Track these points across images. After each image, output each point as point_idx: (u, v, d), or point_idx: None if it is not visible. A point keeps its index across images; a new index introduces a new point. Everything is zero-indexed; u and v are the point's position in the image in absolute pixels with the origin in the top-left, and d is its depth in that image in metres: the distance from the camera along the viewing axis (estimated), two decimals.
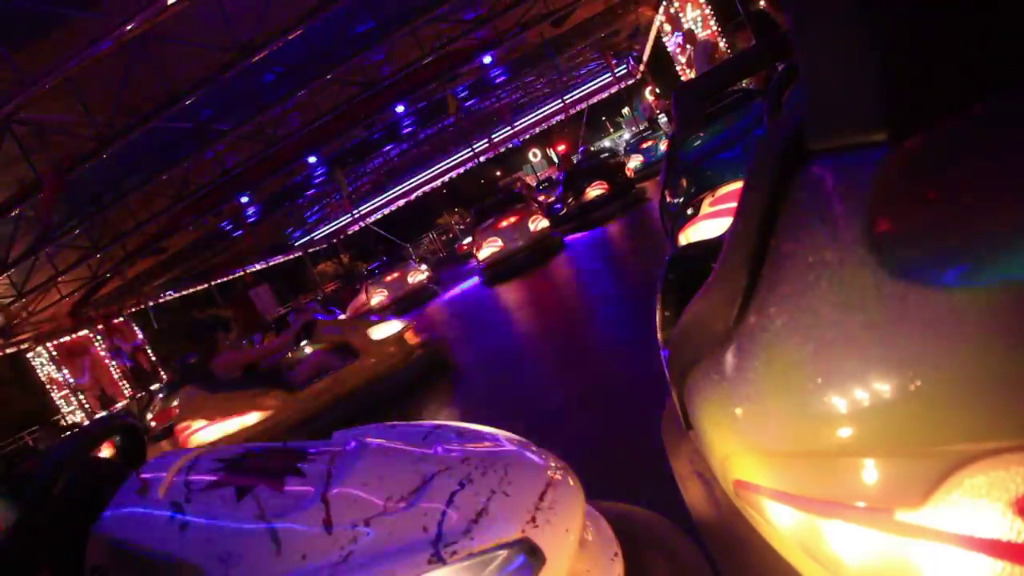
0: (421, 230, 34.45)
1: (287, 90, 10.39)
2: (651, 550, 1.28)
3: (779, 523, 0.60)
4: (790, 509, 0.57)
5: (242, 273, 24.15)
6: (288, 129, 12.16)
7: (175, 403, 5.01)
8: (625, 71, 24.91)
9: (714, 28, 11.80)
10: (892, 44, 0.42)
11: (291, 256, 27.57)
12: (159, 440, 6.09)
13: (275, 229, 18.69)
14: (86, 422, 14.22)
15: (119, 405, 14.83)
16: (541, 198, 14.86)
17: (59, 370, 15.98)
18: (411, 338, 5.04)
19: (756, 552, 0.71)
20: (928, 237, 0.39)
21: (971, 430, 0.38)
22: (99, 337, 17.47)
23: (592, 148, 19.77)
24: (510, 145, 26.85)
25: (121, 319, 18.65)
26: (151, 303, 19.52)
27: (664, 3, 13.79)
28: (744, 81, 5.77)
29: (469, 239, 14.41)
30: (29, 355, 15.88)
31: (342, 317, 7.21)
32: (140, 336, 19.31)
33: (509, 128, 24.73)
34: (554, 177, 19.40)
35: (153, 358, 19.28)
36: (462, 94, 16.63)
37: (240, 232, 17.15)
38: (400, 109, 13.68)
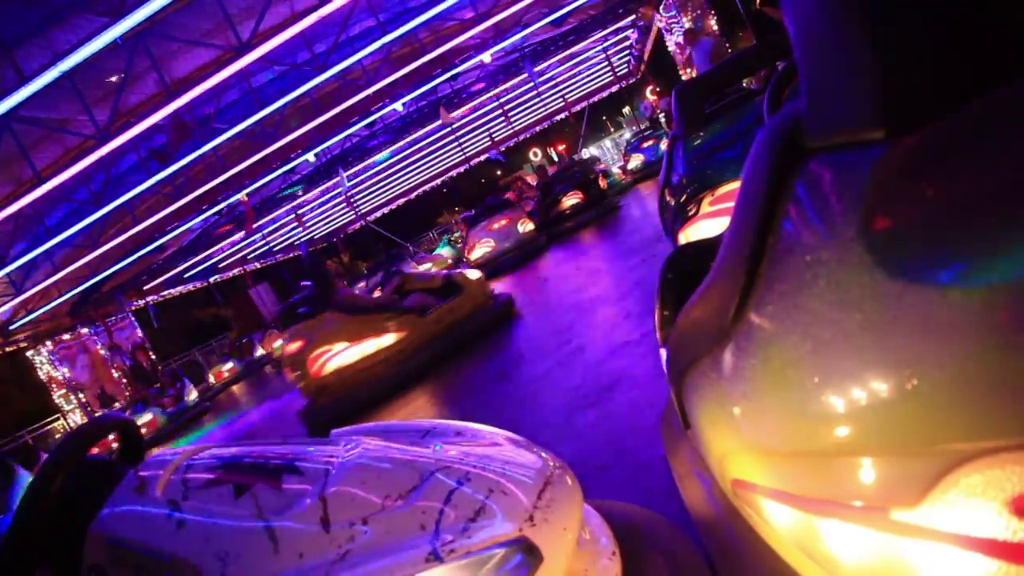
0: (421, 229, 34.48)
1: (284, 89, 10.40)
2: (649, 549, 1.28)
3: (777, 522, 0.60)
4: (788, 508, 0.57)
5: (242, 271, 24.18)
6: (287, 128, 12.17)
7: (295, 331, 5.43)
8: (626, 70, 24.94)
9: (715, 28, 11.81)
10: (889, 41, 0.42)
11: (290, 255, 27.59)
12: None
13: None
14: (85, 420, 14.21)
15: (118, 404, 14.88)
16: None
17: (58, 369, 15.99)
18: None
19: (754, 551, 0.71)
20: (925, 236, 0.39)
21: (968, 429, 0.38)
22: (98, 336, 17.47)
23: (577, 157, 20.13)
24: (508, 145, 26.96)
25: (120, 317, 18.65)
26: (151, 301, 19.51)
27: (664, 2, 13.80)
28: (744, 81, 5.77)
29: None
30: (29, 354, 15.88)
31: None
32: (140, 334, 19.32)
33: (508, 128, 24.78)
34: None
35: (153, 356, 19.28)
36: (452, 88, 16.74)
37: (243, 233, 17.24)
38: (399, 107, 13.73)
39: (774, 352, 0.54)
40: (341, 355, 5.13)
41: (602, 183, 12.09)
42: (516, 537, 0.99)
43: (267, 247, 24.66)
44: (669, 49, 14.96)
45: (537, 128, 27.70)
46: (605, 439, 2.53)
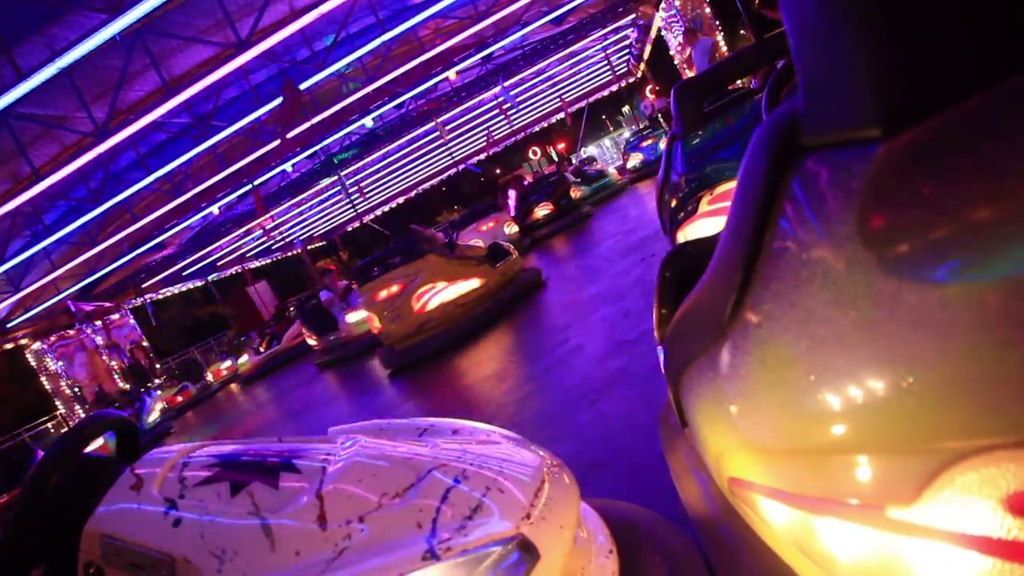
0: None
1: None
2: (646, 547, 1.28)
3: (773, 520, 0.60)
4: (784, 506, 0.57)
5: (241, 270, 24.17)
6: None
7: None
8: (625, 69, 24.93)
9: (714, 27, 11.80)
10: (884, 39, 0.42)
11: (289, 253, 27.57)
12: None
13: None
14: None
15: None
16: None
17: (56, 366, 15.96)
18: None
19: (751, 549, 0.71)
20: (921, 233, 0.39)
21: (963, 427, 0.38)
22: (97, 334, 17.45)
23: (576, 157, 20.44)
24: (506, 144, 26.96)
25: (119, 315, 18.62)
26: (149, 299, 19.48)
27: (664, 1, 13.80)
28: (741, 80, 5.76)
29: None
30: (26, 352, 15.86)
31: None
32: (138, 332, 19.29)
33: (508, 126, 24.78)
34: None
35: (151, 354, 19.25)
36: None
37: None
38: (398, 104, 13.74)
39: (770, 350, 0.54)
40: (442, 293, 6.09)
41: (574, 193, 12.98)
42: (513, 535, 0.99)
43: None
44: (669, 48, 14.96)
45: (536, 128, 27.68)
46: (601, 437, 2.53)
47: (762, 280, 0.55)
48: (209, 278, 23.65)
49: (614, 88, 25.67)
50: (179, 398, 14.17)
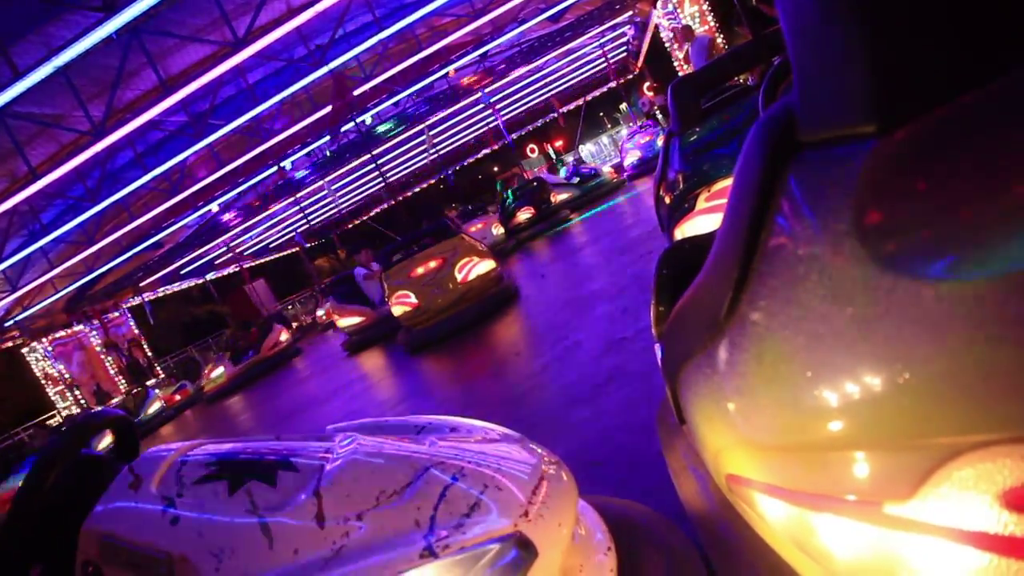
0: (419, 226, 34.39)
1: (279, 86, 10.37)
2: (645, 544, 1.28)
3: (771, 517, 0.60)
4: (781, 503, 0.57)
5: (239, 268, 24.11)
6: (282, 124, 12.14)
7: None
8: (622, 67, 24.88)
9: (711, 24, 11.79)
10: (880, 35, 0.42)
11: (287, 251, 27.52)
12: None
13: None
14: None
15: (115, 400, 14.77)
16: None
17: (54, 366, 15.92)
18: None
19: (749, 546, 0.71)
20: (917, 229, 0.39)
21: (960, 423, 0.38)
22: (95, 332, 17.41)
23: (575, 155, 20.78)
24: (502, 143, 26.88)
25: (117, 314, 18.58)
26: (147, 298, 19.43)
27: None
28: (741, 77, 5.76)
29: None
30: (24, 351, 15.82)
31: None
32: (136, 331, 19.25)
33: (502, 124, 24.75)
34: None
35: (149, 353, 19.22)
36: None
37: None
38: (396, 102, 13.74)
39: (767, 347, 0.54)
40: (477, 266, 6.77)
41: (553, 198, 13.60)
42: (511, 532, 0.99)
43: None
44: (666, 45, 14.95)
45: (531, 127, 27.64)
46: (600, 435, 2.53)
47: (759, 277, 0.55)
48: (207, 277, 23.61)
49: (612, 85, 25.64)
50: (177, 397, 14.07)
